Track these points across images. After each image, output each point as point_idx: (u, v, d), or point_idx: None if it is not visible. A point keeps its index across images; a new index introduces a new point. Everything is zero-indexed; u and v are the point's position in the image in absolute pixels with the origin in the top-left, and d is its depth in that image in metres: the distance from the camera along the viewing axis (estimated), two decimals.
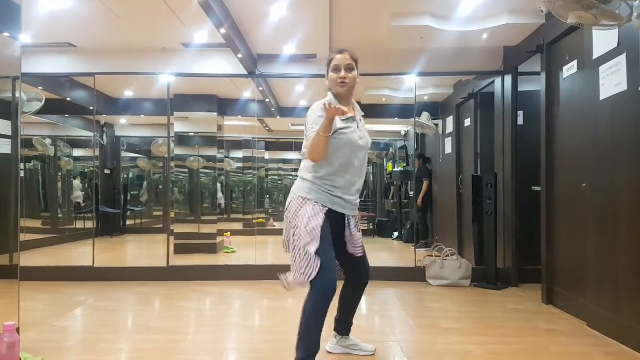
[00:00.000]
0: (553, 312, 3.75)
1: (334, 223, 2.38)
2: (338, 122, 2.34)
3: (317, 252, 2.23)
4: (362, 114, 2.61)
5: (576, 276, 3.59)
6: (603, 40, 3.15)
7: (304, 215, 2.29)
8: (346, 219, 2.45)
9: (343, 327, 2.73)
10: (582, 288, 3.43)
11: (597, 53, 3.23)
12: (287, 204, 2.42)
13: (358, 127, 2.47)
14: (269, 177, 9.97)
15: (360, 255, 2.54)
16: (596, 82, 3.23)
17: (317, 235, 2.25)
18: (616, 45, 3.00)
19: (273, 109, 7.02)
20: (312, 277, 2.22)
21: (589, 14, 2.54)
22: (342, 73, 2.42)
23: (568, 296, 3.72)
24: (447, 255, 4.83)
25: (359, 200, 2.54)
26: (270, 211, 9.76)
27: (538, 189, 4.19)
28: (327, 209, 2.33)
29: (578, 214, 3.56)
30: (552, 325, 3.40)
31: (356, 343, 2.76)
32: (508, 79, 4.82)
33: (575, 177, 3.59)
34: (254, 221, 8.65)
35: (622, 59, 2.95)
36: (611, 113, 3.08)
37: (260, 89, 5.90)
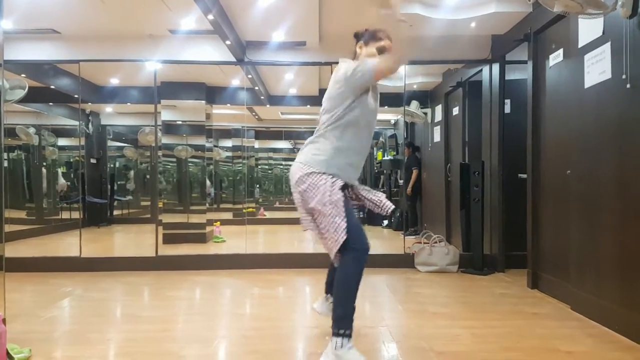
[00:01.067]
0: (538, 296, 3.82)
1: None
2: (370, 100, 2.46)
3: (348, 218, 2.31)
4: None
5: (560, 261, 3.66)
6: (588, 28, 3.17)
7: (326, 189, 2.33)
8: (354, 188, 2.57)
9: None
10: (566, 273, 3.50)
11: (582, 41, 3.26)
12: (298, 178, 2.40)
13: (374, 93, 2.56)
14: (259, 167, 9.96)
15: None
16: (581, 71, 3.26)
17: (342, 203, 2.31)
18: (601, 34, 3.03)
19: (262, 97, 6.99)
20: (341, 241, 2.27)
21: (575, 2, 2.57)
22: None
23: (552, 281, 3.79)
24: (435, 242, 4.88)
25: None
26: (260, 200, 9.76)
27: (524, 176, 4.24)
28: (342, 182, 2.39)
29: (563, 200, 3.62)
30: (537, 308, 3.46)
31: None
32: (495, 68, 4.85)
33: (561, 165, 3.64)
34: (244, 210, 8.65)
35: (606, 47, 2.98)
36: (596, 101, 3.12)
37: (249, 76, 5.87)
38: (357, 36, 2.62)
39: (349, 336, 2.29)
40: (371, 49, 2.53)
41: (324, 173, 2.37)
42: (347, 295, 2.35)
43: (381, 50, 2.51)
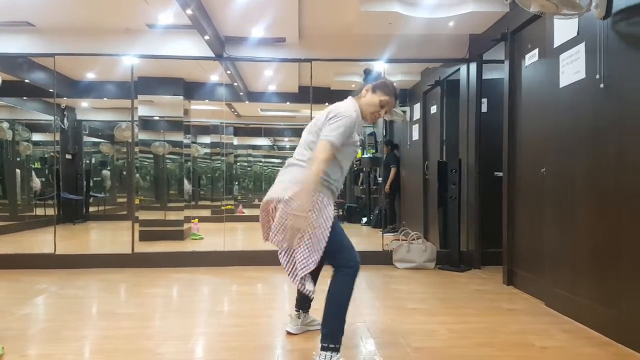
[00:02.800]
0: (513, 293, 3.89)
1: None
2: (355, 136, 2.50)
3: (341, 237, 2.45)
4: None
5: (535, 258, 3.73)
6: (563, 29, 3.23)
7: (322, 209, 2.37)
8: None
9: (306, 303, 2.85)
10: (541, 269, 3.57)
11: (557, 41, 3.32)
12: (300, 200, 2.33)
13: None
14: (238, 164, 9.90)
15: None
16: (556, 70, 3.33)
17: (330, 224, 2.37)
18: (576, 34, 3.10)
19: (242, 94, 6.95)
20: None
21: (550, 2, 2.61)
22: (383, 112, 2.55)
23: (527, 277, 3.86)
24: (413, 239, 4.93)
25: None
26: (239, 198, 9.70)
27: (500, 174, 4.30)
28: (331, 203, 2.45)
29: (538, 198, 3.68)
30: (512, 304, 3.52)
31: (314, 319, 2.88)
32: (473, 67, 4.91)
33: (536, 163, 3.71)
34: (222, 208, 8.59)
35: (581, 47, 3.04)
36: (570, 100, 3.18)
37: (228, 72, 5.82)
38: (367, 73, 2.64)
39: (338, 350, 2.31)
40: (375, 99, 2.51)
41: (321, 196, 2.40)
42: (340, 311, 2.39)
43: (382, 105, 2.52)
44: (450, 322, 3.07)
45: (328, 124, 2.37)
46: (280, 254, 2.40)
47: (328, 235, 2.34)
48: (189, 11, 3.99)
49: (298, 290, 2.78)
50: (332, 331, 2.34)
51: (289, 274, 2.39)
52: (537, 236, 3.68)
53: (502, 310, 3.37)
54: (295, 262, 2.36)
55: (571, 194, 3.16)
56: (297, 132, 6.11)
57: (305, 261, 2.32)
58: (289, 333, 2.82)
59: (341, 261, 2.42)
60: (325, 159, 2.29)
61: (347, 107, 2.44)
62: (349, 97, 2.59)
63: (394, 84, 2.58)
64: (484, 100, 4.89)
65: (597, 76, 2.85)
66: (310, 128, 2.52)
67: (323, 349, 2.31)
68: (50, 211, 7.62)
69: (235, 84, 6.41)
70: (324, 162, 2.29)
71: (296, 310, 2.88)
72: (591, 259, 2.96)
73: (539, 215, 3.63)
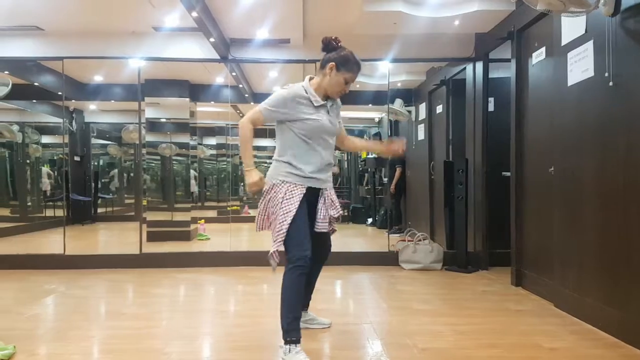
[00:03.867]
0: (521, 294, 3.86)
1: (311, 197, 2.54)
2: (309, 110, 2.47)
3: (290, 228, 2.41)
4: (336, 101, 2.65)
5: (544, 259, 3.70)
6: (571, 27, 3.21)
7: (279, 197, 2.46)
8: (321, 192, 2.60)
9: (304, 301, 2.85)
10: (550, 270, 3.54)
11: (565, 40, 3.30)
12: (265, 188, 2.55)
13: (328, 112, 2.56)
14: (243, 165, 9.90)
15: (325, 231, 2.65)
16: (564, 69, 3.30)
17: (293, 212, 2.42)
18: (584, 32, 3.07)
19: (246, 95, 6.96)
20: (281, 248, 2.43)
21: (557, 0, 2.59)
22: (347, 88, 2.56)
23: (536, 278, 3.83)
24: (419, 240, 4.91)
25: (331, 175, 2.66)
26: (244, 198, 9.71)
27: (508, 174, 4.28)
28: (304, 187, 2.48)
29: (546, 198, 3.66)
30: (520, 306, 3.50)
31: (314, 317, 2.91)
32: (479, 66, 4.89)
33: (544, 163, 3.68)
34: (228, 208, 8.61)
35: (589, 45, 3.02)
36: (578, 99, 3.16)
37: (233, 74, 5.84)
38: (329, 48, 2.56)
39: (297, 342, 2.38)
40: (340, 77, 2.50)
41: (284, 182, 2.50)
42: (286, 297, 2.46)
43: (347, 82, 2.53)
44: (457, 323, 3.06)
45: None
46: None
47: (280, 215, 2.44)
48: (194, 13, 4.01)
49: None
50: (284, 328, 2.41)
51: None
52: (546, 236, 3.65)
53: (510, 312, 3.35)
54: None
55: (579, 193, 3.14)
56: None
57: (274, 239, 2.47)
58: None
59: (288, 255, 2.46)
60: (243, 121, 2.49)
61: (290, 85, 2.51)
62: (306, 78, 2.58)
63: (354, 54, 2.55)
64: (491, 100, 4.86)
65: (606, 74, 2.82)
66: None
67: (285, 342, 2.39)
68: (60, 212, 7.68)
69: (241, 85, 6.43)
70: (243, 126, 2.50)
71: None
72: (600, 260, 2.93)
73: (547, 215, 3.61)
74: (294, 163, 2.49)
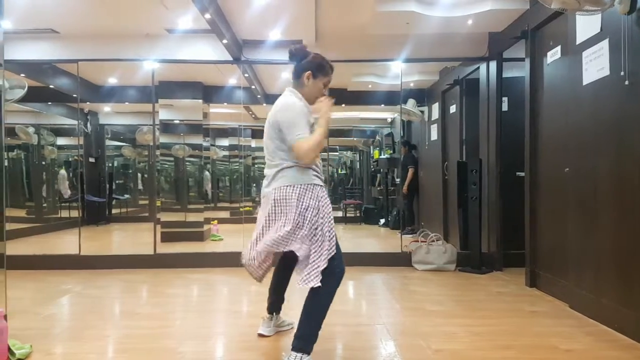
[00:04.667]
0: (536, 295, 3.83)
1: None
2: (311, 118, 2.42)
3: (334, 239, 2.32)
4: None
5: (559, 259, 3.66)
6: (586, 25, 3.18)
7: (321, 200, 2.33)
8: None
9: (278, 305, 2.85)
10: (565, 271, 3.50)
11: (580, 38, 3.26)
12: (278, 196, 2.36)
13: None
14: (256, 165, 9.94)
15: None
16: (579, 67, 3.27)
17: (332, 218, 2.33)
18: (599, 31, 3.04)
19: (259, 96, 6.98)
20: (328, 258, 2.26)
21: None
22: (324, 92, 2.52)
23: (551, 279, 3.79)
24: (433, 241, 4.89)
25: None
26: (257, 199, 9.74)
27: (522, 174, 4.24)
28: (324, 187, 2.43)
29: (561, 198, 3.62)
30: (535, 307, 3.46)
31: (284, 320, 2.92)
32: (493, 65, 4.85)
33: (559, 162, 3.64)
34: (241, 209, 8.64)
35: (604, 44, 2.98)
36: (594, 98, 3.12)
37: (246, 75, 5.86)
38: (298, 57, 2.53)
39: (309, 353, 2.28)
40: (318, 84, 2.47)
41: (314, 184, 2.39)
42: (322, 311, 2.33)
43: (325, 85, 2.49)
44: (471, 324, 3.04)
45: (286, 128, 2.31)
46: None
47: (327, 220, 2.35)
48: (207, 15, 4.03)
49: (269, 295, 2.84)
50: (307, 334, 2.31)
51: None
52: (561, 237, 3.61)
53: (525, 313, 3.32)
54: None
55: (595, 193, 3.10)
56: None
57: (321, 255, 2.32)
58: (260, 335, 2.79)
59: (331, 266, 2.33)
60: (312, 150, 2.26)
61: (292, 102, 2.39)
62: (287, 90, 2.50)
63: (324, 57, 2.52)
64: (505, 99, 4.83)
65: (622, 73, 2.79)
66: (268, 133, 2.43)
67: (295, 349, 2.28)
68: (75, 213, 7.77)
69: (253, 86, 6.45)
70: (312, 151, 2.26)
71: (269, 314, 2.87)
72: (616, 260, 2.89)
73: (563, 215, 3.57)
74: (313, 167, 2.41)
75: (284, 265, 2.73)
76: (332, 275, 2.28)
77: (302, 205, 2.29)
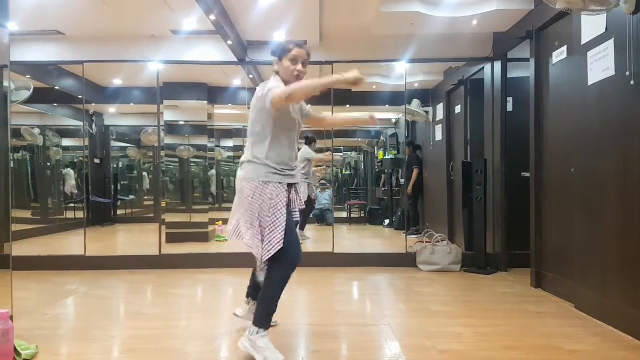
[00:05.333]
0: (541, 295, 3.82)
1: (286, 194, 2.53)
2: (289, 108, 2.51)
3: (285, 228, 2.42)
4: None
5: (564, 260, 3.65)
6: (591, 25, 3.17)
7: (267, 197, 2.44)
8: (293, 187, 2.62)
9: (257, 292, 2.82)
10: (570, 271, 3.49)
11: (585, 38, 3.25)
12: (239, 189, 2.54)
13: (293, 107, 2.57)
14: None
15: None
16: (584, 68, 3.26)
17: (284, 213, 2.44)
18: (604, 31, 3.03)
19: None
20: (277, 250, 2.41)
21: None
22: (300, 67, 2.52)
23: (556, 279, 3.78)
24: (438, 241, 4.88)
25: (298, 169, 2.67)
26: None
27: (527, 174, 4.23)
28: (284, 185, 2.49)
29: (566, 199, 3.61)
30: (540, 307, 3.45)
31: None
32: (497, 65, 4.84)
33: (564, 163, 3.63)
34: None
35: (610, 44, 2.97)
36: (599, 98, 3.11)
37: (251, 76, 5.88)
38: (273, 53, 2.61)
39: (266, 328, 2.46)
40: (285, 63, 2.52)
41: (268, 182, 2.49)
42: (273, 295, 2.50)
43: (294, 60, 2.51)
44: (476, 325, 3.03)
45: (263, 94, 2.43)
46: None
47: (271, 215, 2.47)
48: (212, 17, 4.04)
49: (251, 281, 2.97)
50: (263, 314, 2.49)
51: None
52: (566, 237, 3.60)
53: (530, 313, 3.31)
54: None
55: (601, 193, 3.09)
56: (317, 134, 6.13)
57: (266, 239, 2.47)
58: (235, 315, 2.98)
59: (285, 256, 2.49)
60: (297, 86, 2.37)
61: (274, 81, 2.50)
62: (273, 76, 2.58)
63: (285, 41, 2.61)
64: (510, 99, 4.82)
65: (627, 73, 2.78)
66: (250, 118, 2.55)
67: (254, 324, 2.46)
68: (80, 214, 7.81)
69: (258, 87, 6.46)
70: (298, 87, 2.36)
71: (247, 298, 2.98)
72: (622, 260, 2.88)
73: (568, 216, 3.56)
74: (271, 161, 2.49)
75: None
76: (281, 263, 2.44)
77: (254, 202, 2.44)
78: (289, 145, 2.53)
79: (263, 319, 2.47)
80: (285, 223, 2.43)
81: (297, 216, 2.65)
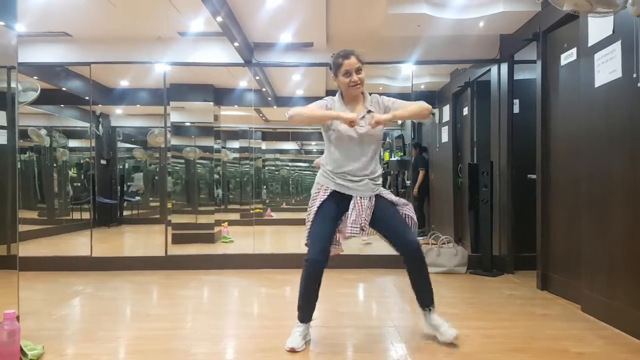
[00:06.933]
0: (548, 298, 3.80)
1: (344, 202, 2.65)
2: (334, 123, 2.65)
3: (311, 226, 2.62)
4: (370, 107, 2.70)
5: (571, 262, 3.64)
6: (598, 27, 3.16)
7: (312, 197, 2.70)
8: (354, 198, 2.65)
9: (418, 302, 2.80)
10: (577, 273, 3.47)
11: (592, 40, 3.24)
12: None
13: (361, 120, 2.62)
14: (266, 168, 9.96)
15: (355, 234, 2.66)
16: (591, 70, 3.24)
17: (313, 213, 2.62)
18: (611, 33, 3.02)
19: (270, 99, 7.01)
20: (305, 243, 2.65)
21: (584, 1, 2.55)
22: (354, 77, 2.62)
23: (563, 281, 3.76)
24: (443, 243, 4.87)
25: (368, 181, 2.67)
26: (267, 201, 9.77)
27: (534, 176, 4.21)
28: (330, 190, 2.65)
29: (573, 201, 3.59)
30: (546, 310, 3.44)
31: (439, 324, 2.72)
32: (504, 67, 4.83)
33: (571, 165, 3.62)
34: (252, 211, 8.66)
35: (617, 46, 2.96)
36: (606, 100, 3.10)
37: (257, 78, 5.89)
38: (332, 71, 2.74)
39: (301, 321, 2.67)
40: (340, 79, 2.66)
41: (317, 183, 2.76)
42: (299, 295, 2.72)
43: (347, 74, 2.62)
44: (482, 327, 3.02)
45: None
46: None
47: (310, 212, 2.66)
48: (219, 18, 4.06)
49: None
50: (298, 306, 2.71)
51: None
52: (573, 240, 3.59)
53: (536, 316, 3.30)
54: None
55: (608, 196, 3.08)
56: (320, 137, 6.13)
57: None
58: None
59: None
60: (299, 111, 2.64)
61: (334, 98, 2.76)
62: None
63: (335, 54, 2.71)
64: (516, 101, 4.80)
65: (634, 75, 2.77)
66: None
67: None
68: (86, 215, 7.84)
69: (264, 89, 6.48)
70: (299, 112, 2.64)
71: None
72: (629, 263, 2.87)
73: (575, 218, 3.54)
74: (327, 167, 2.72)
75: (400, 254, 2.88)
76: (305, 259, 2.64)
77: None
78: (346, 157, 2.63)
79: (299, 311, 2.69)
80: (312, 222, 2.60)
81: (350, 232, 2.62)
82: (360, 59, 2.64)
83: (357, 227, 2.62)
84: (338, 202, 2.63)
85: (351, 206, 2.63)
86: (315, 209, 2.61)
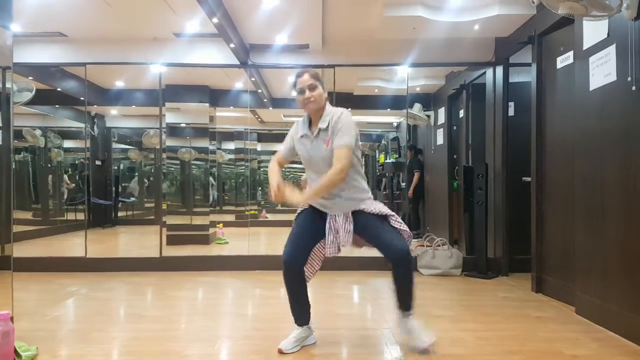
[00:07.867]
0: (542, 300, 3.81)
1: (324, 216, 2.68)
2: (296, 142, 2.72)
3: (290, 236, 2.69)
4: (323, 125, 2.61)
5: (565, 264, 3.65)
6: (593, 31, 3.17)
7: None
8: (328, 217, 2.66)
9: (399, 305, 2.74)
10: (571, 276, 3.49)
11: (587, 44, 3.26)
12: None
13: (315, 139, 2.62)
14: (261, 169, 9.95)
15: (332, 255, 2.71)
16: (586, 73, 3.26)
17: (294, 222, 2.74)
18: (606, 36, 3.03)
19: (265, 100, 7.00)
20: None
21: (579, 4, 2.57)
22: (307, 94, 2.61)
23: (557, 284, 3.78)
24: (438, 245, 4.88)
25: (339, 200, 2.62)
26: (262, 203, 9.75)
27: (528, 179, 4.23)
28: (308, 206, 2.71)
29: (567, 203, 3.61)
30: (541, 312, 3.45)
31: (415, 329, 2.66)
32: (499, 70, 4.85)
33: (565, 168, 3.63)
34: (247, 212, 8.65)
35: (611, 49, 2.98)
36: (601, 103, 3.12)
37: (253, 79, 5.88)
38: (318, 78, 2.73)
39: (298, 324, 2.72)
40: (297, 96, 2.69)
41: None
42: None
43: (301, 91, 2.65)
44: (477, 329, 3.03)
45: None
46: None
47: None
48: (215, 20, 4.05)
49: None
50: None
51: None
52: (567, 242, 3.60)
53: (531, 318, 3.31)
54: None
55: (602, 198, 3.09)
56: None
57: None
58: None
59: None
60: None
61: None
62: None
63: (294, 76, 2.72)
64: (511, 104, 4.82)
65: (629, 78, 2.78)
66: None
67: None
68: (81, 216, 7.80)
69: (259, 90, 6.47)
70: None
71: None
72: (623, 266, 2.88)
73: (569, 220, 3.56)
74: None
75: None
76: None
77: None
78: (317, 175, 2.61)
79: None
80: (292, 232, 2.69)
81: (330, 252, 2.67)
82: (314, 75, 2.66)
83: (334, 248, 2.66)
84: (319, 214, 2.67)
85: (327, 226, 2.63)
86: (294, 218, 2.74)
